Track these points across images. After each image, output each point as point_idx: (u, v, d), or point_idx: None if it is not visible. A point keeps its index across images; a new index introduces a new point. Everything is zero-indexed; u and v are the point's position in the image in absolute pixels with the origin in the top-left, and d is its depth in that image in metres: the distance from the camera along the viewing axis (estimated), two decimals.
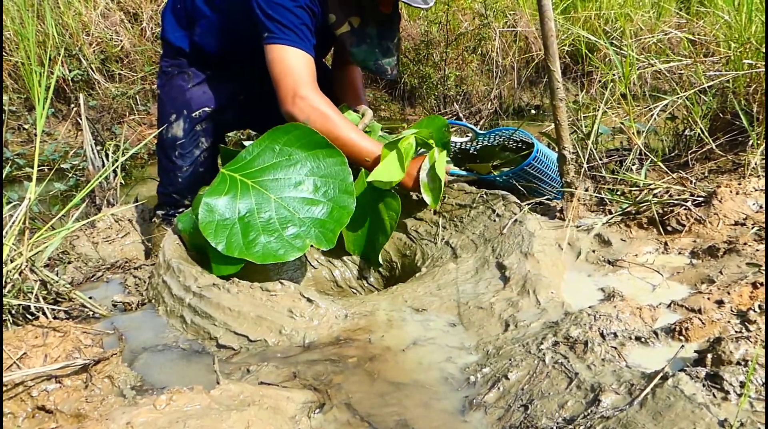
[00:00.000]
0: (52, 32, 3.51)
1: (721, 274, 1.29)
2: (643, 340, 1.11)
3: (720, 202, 1.53)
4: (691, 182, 1.74)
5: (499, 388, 1.04)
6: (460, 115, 3.61)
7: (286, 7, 1.65)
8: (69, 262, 1.85)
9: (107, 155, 2.51)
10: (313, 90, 1.67)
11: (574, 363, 1.05)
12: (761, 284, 1.19)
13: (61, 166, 3.07)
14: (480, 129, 2.22)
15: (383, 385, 1.09)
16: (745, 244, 1.36)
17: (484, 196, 1.70)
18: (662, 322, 1.17)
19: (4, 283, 1.29)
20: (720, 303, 1.18)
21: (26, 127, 3.56)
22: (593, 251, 1.51)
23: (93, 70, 3.73)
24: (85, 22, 3.79)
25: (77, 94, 3.61)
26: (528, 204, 1.64)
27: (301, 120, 1.64)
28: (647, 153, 1.93)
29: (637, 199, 1.67)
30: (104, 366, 1.09)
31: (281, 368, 1.15)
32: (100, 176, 1.67)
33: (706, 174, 1.94)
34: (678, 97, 2.06)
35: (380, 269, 1.81)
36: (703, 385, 0.91)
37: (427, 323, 1.30)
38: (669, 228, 1.53)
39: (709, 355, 0.97)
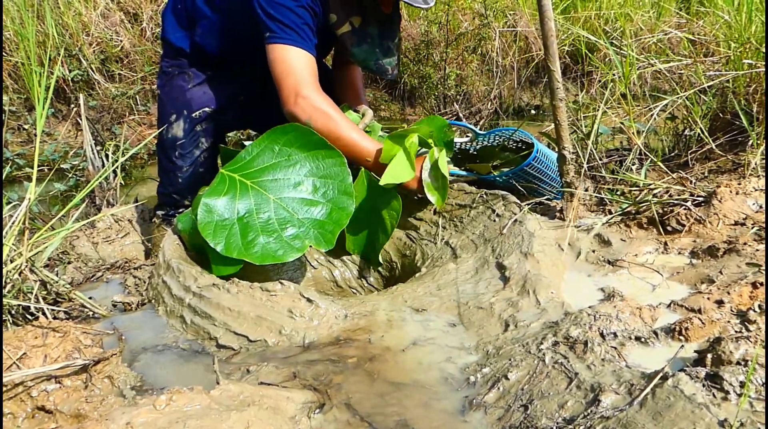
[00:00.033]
0: (52, 32, 3.51)
1: (721, 274, 1.29)
2: (643, 340, 1.11)
3: (720, 202, 1.53)
4: (691, 182, 1.74)
5: (499, 388, 1.04)
6: (460, 115, 3.61)
7: (287, 6, 1.65)
8: (69, 263, 1.85)
9: (107, 155, 2.51)
10: (315, 90, 1.67)
11: (574, 363, 1.05)
12: (761, 284, 1.19)
13: (61, 166, 3.07)
14: (480, 129, 2.22)
15: (383, 385, 1.09)
16: (744, 244, 1.36)
17: (484, 196, 1.70)
18: (662, 322, 1.17)
19: (3, 283, 1.29)
20: (720, 303, 1.18)
21: (26, 127, 3.56)
22: (593, 251, 1.50)
23: (93, 70, 3.73)
24: (85, 22, 3.79)
25: (77, 94, 3.61)
26: (528, 204, 1.64)
27: (303, 120, 1.64)
28: (647, 153, 1.93)
29: (637, 199, 1.67)
30: (104, 366, 1.09)
31: (281, 368, 1.15)
32: (100, 176, 1.67)
33: (706, 174, 1.94)
34: (678, 97, 2.06)
35: (380, 269, 1.81)
36: (703, 385, 0.91)
37: (426, 323, 1.30)
38: (669, 228, 1.53)
39: (709, 355, 0.97)
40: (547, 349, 1.10)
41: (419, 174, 1.68)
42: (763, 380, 0.89)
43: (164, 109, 2.00)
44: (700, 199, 1.58)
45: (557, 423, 0.93)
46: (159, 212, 2.07)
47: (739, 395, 0.88)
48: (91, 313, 1.44)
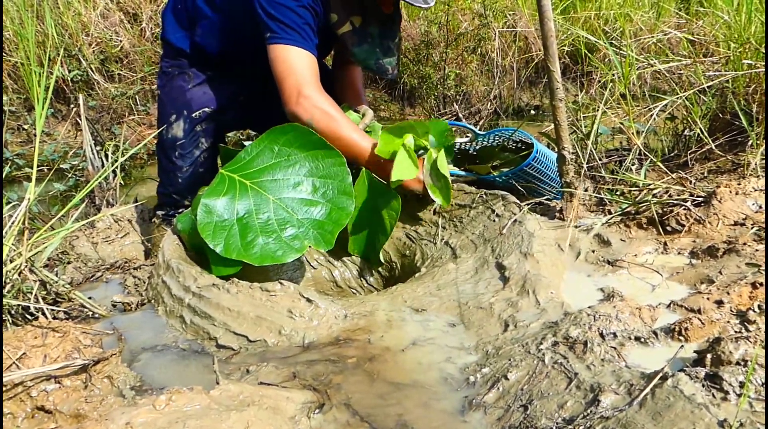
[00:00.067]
0: (51, 32, 3.51)
1: (721, 274, 1.29)
2: (642, 340, 1.11)
3: (719, 202, 1.53)
4: (690, 182, 1.74)
5: (498, 389, 1.04)
6: (460, 115, 3.61)
7: (288, 6, 1.65)
8: (68, 263, 1.85)
9: (107, 155, 2.51)
10: (317, 90, 1.68)
11: (574, 363, 1.05)
12: (761, 284, 1.19)
13: (61, 166, 3.07)
14: (479, 129, 2.22)
15: (383, 385, 1.09)
16: (744, 244, 1.36)
17: (484, 197, 1.70)
18: (662, 322, 1.17)
19: (3, 283, 1.29)
20: (719, 303, 1.18)
21: (26, 127, 3.56)
22: (593, 251, 1.51)
23: (92, 71, 3.73)
24: (84, 22, 3.78)
25: (77, 94, 3.61)
26: (527, 204, 1.64)
27: (305, 119, 1.64)
28: (647, 153, 1.93)
29: (637, 199, 1.67)
30: (104, 366, 1.09)
31: (281, 368, 1.15)
32: (100, 176, 1.67)
33: (706, 174, 1.94)
34: (677, 98, 2.06)
35: (380, 269, 1.81)
36: (703, 386, 0.91)
37: (426, 323, 1.30)
38: (668, 228, 1.53)
39: (709, 356, 0.97)
40: (547, 349, 1.10)
41: (420, 175, 1.69)
42: (763, 380, 0.89)
43: (164, 109, 2.00)
44: (700, 199, 1.58)
45: (557, 423, 0.93)
46: (159, 212, 2.07)
47: (739, 395, 0.88)
48: (90, 313, 1.44)
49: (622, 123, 2.12)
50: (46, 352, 1.10)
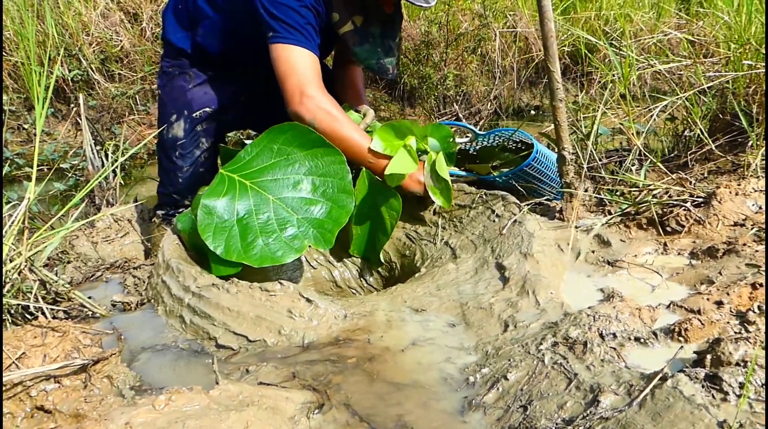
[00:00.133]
0: (52, 32, 3.51)
1: (721, 274, 1.29)
2: (642, 340, 1.11)
3: (719, 202, 1.53)
4: (690, 183, 1.74)
5: (498, 389, 1.04)
6: (460, 115, 3.61)
7: (290, 6, 1.65)
8: (68, 262, 1.85)
9: (107, 155, 2.51)
10: (319, 89, 1.68)
11: (574, 364, 1.05)
12: (760, 285, 1.19)
13: (61, 165, 3.07)
14: (479, 129, 2.22)
15: (382, 385, 1.09)
16: (744, 244, 1.36)
17: (484, 197, 1.70)
18: (661, 323, 1.17)
19: (3, 282, 1.29)
20: (719, 304, 1.18)
21: (26, 126, 3.56)
22: (593, 252, 1.51)
23: (93, 70, 3.73)
24: (84, 22, 3.78)
25: (77, 94, 3.61)
26: (527, 204, 1.64)
27: (307, 119, 1.64)
28: (647, 154, 1.93)
29: (637, 199, 1.67)
30: (103, 366, 1.09)
31: (280, 368, 1.15)
32: (100, 176, 1.67)
33: (706, 175, 1.94)
34: (678, 98, 2.06)
35: (379, 269, 1.81)
36: (703, 386, 0.91)
37: (426, 324, 1.30)
38: (668, 229, 1.53)
39: (709, 356, 0.97)
40: (547, 349, 1.10)
41: (421, 177, 1.69)
42: (763, 381, 0.89)
43: (165, 109, 2.00)
44: (700, 199, 1.58)
45: (556, 423, 0.93)
46: (159, 212, 2.07)
47: (739, 396, 0.88)
48: (90, 312, 1.44)
49: (622, 123, 2.12)
50: (45, 351, 1.10)
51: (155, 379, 1.16)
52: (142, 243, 2.07)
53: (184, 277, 1.42)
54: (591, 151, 1.97)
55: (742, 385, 0.89)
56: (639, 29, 3.97)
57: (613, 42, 3.17)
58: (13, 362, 1.06)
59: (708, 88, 2.07)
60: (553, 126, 1.65)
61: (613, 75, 2.26)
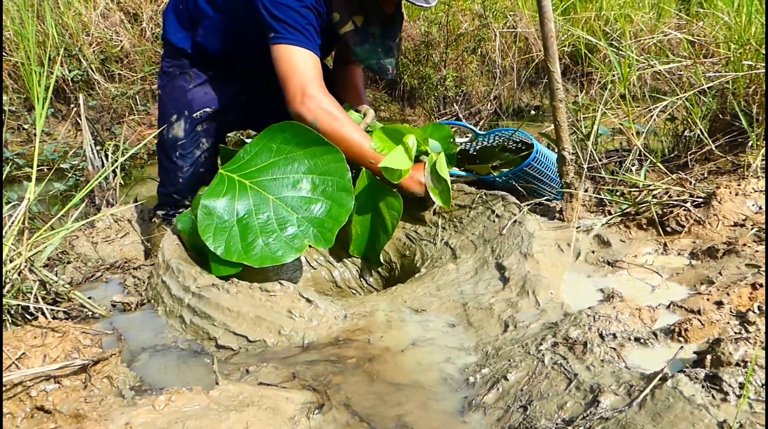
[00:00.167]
0: (52, 32, 3.51)
1: (721, 275, 1.29)
2: (642, 341, 1.11)
3: (719, 203, 1.53)
4: (690, 183, 1.74)
5: (498, 389, 1.04)
6: (460, 115, 3.61)
7: (291, 7, 1.65)
8: (68, 262, 1.85)
9: (107, 155, 2.51)
10: (321, 90, 1.68)
11: (574, 364, 1.05)
12: (760, 285, 1.19)
13: (61, 166, 3.07)
14: (480, 129, 2.22)
15: (382, 385, 1.09)
16: (744, 245, 1.36)
17: (484, 197, 1.70)
18: (661, 323, 1.17)
19: (3, 283, 1.28)
20: (719, 304, 1.18)
21: (26, 127, 3.56)
22: (593, 252, 1.51)
23: (93, 71, 3.73)
24: (84, 22, 3.79)
25: (77, 94, 3.61)
26: (527, 205, 1.64)
27: (309, 120, 1.64)
28: (647, 154, 1.93)
29: (637, 200, 1.67)
30: (103, 366, 1.09)
31: (280, 369, 1.15)
32: (100, 176, 1.67)
33: (706, 175, 1.94)
34: (678, 98, 2.06)
35: (379, 270, 1.81)
36: (703, 387, 0.91)
37: (426, 324, 1.30)
38: (668, 229, 1.53)
39: (709, 356, 0.97)
40: (547, 349, 1.10)
41: (422, 178, 1.69)
42: (763, 381, 0.89)
43: (165, 109, 2.00)
44: (700, 200, 1.58)
45: (556, 424, 0.93)
46: (159, 212, 2.07)
47: (739, 396, 0.88)
48: (90, 313, 1.44)
49: (622, 124, 2.12)
50: (45, 352, 1.10)
51: (155, 379, 1.16)
52: (142, 243, 2.07)
53: (184, 278, 1.42)
54: (591, 151, 1.97)
55: (742, 386, 0.89)
56: (639, 29, 3.97)
57: (613, 42, 3.17)
58: (13, 362, 1.06)
59: (708, 88, 2.07)
60: (553, 126, 1.65)
61: (613, 75, 2.26)
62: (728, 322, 1.12)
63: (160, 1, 4.05)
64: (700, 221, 1.51)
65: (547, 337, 1.14)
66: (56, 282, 1.43)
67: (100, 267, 1.84)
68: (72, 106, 3.59)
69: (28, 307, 1.31)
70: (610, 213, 1.67)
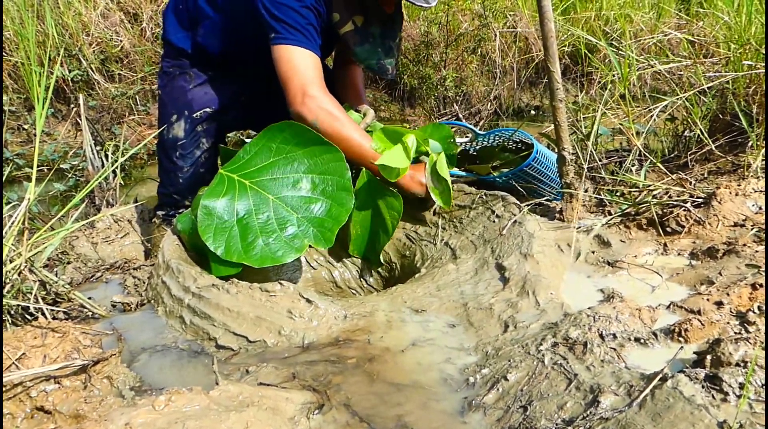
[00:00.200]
0: (52, 32, 3.51)
1: (721, 275, 1.29)
2: (642, 341, 1.11)
3: (719, 203, 1.53)
4: (690, 183, 1.74)
5: (498, 389, 1.04)
6: (460, 115, 3.61)
7: (292, 7, 1.65)
8: (68, 263, 1.85)
9: (107, 155, 2.51)
10: (322, 90, 1.68)
11: (574, 364, 1.05)
12: (760, 285, 1.19)
13: (61, 166, 3.07)
14: (479, 130, 2.23)
15: (382, 385, 1.09)
16: (744, 245, 1.36)
17: (484, 197, 1.70)
18: (661, 324, 1.17)
19: (3, 283, 1.29)
20: (719, 304, 1.18)
21: (26, 127, 3.56)
22: (593, 252, 1.51)
23: (93, 71, 3.73)
24: (84, 22, 3.79)
25: (77, 94, 3.61)
26: (527, 205, 1.64)
27: (309, 120, 1.64)
28: (647, 154, 1.93)
29: (637, 200, 1.67)
30: (103, 366, 1.09)
31: (280, 369, 1.15)
32: (100, 176, 1.67)
33: (706, 175, 1.94)
34: (677, 98, 2.06)
35: (379, 270, 1.81)
36: (703, 387, 0.91)
37: (426, 324, 1.30)
38: (668, 229, 1.53)
39: (709, 357, 0.97)
40: (547, 350, 1.10)
41: (423, 178, 1.69)
42: (763, 382, 0.89)
43: (165, 109, 2.00)
44: (700, 200, 1.58)
45: (556, 424, 0.93)
46: (159, 212, 2.07)
47: (739, 397, 0.88)
48: (90, 313, 1.43)
49: (621, 124, 2.12)
50: (45, 352, 1.10)
51: (155, 379, 1.16)
52: (142, 243, 2.07)
53: (184, 278, 1.42)
54: (591, 151, 1.97)
55: (742, 386, 0.89)
56: (639, 29, 3.97)
57: (613, 42, 3.17)
58: (13, 363, 1.06)
59: (708, 88, 2.07)
60: (553, 126, 1.66)
61: (613, 75, 2.26)
62: (728, 323, 1.12)
63: (160, 1, 4.05)
64: (700, 221, 1.51)
65: (547, 338, 1.14)
66: (56, 282, 1.43)
67: (100, 267, 1.84)
68: (72, 106, 3.59)
69: (28, 307, 1.31)
70: (610, 213, 1.67)
